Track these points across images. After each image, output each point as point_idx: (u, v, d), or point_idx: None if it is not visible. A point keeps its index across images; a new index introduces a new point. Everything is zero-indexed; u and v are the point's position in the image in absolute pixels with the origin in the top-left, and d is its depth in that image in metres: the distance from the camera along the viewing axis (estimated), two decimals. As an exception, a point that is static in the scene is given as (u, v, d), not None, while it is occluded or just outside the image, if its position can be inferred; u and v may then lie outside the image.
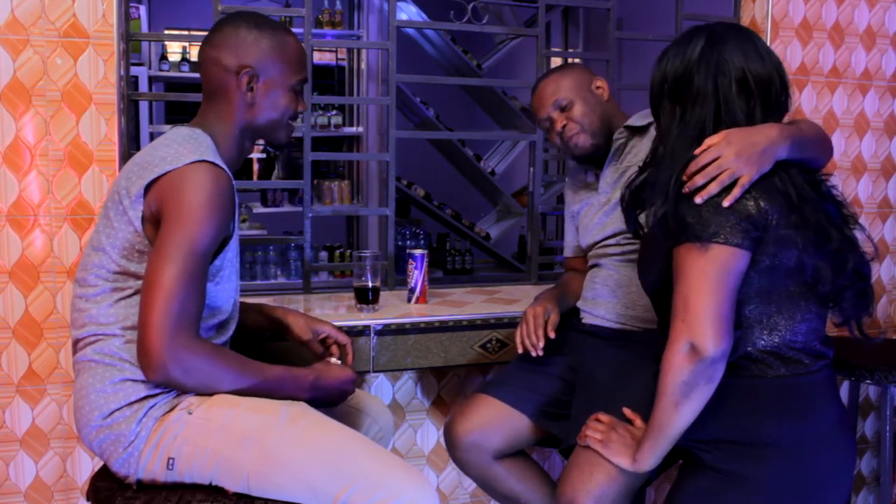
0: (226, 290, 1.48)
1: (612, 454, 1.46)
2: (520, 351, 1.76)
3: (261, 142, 1.63)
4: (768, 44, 2.30)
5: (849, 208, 1.38)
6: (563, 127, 1.86)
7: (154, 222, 1.37)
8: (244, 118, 1.51)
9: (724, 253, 1.25)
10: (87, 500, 1.45)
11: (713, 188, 1.27)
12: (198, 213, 1.33)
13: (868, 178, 2.64)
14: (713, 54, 1.35)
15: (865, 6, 2.56)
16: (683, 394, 1.28)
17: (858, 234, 1.38)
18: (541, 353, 1.73)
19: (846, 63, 2.57)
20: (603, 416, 1.53)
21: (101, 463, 1.50)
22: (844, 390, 2.54)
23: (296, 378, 1.47)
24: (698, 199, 1.28)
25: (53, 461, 2.02)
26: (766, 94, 1.35)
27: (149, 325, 1.29)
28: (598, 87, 1.91)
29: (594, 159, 1.91)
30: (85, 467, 2.03)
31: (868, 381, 2.10)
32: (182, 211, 1.33)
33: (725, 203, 1.26)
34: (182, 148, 1.40)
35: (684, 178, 1.30)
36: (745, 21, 2.48)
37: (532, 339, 1.73)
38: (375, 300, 2.00)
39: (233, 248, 1.49)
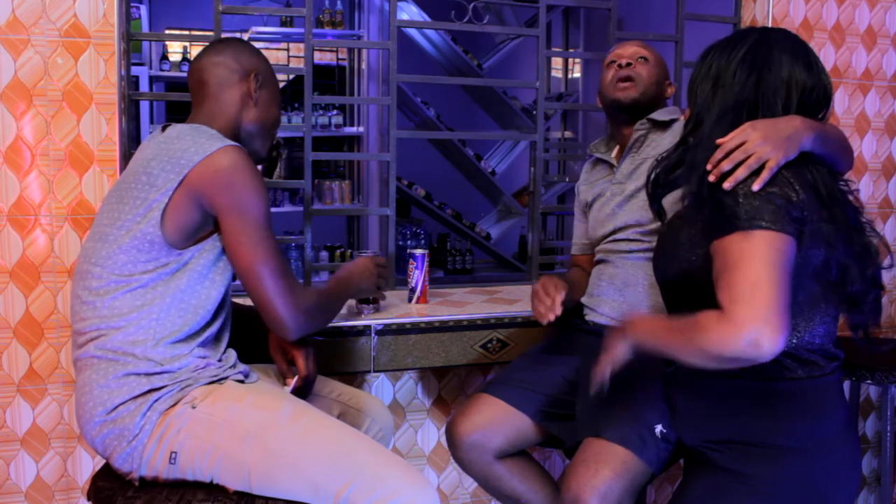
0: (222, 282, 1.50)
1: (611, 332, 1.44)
2: (543, 321, 1.74)
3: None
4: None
5: (865, 216, 1.37)
6: (629, 66, 1.90)
7: (179, 212, 1.41)
8: (241, 118, 1.58)
9: (781, 240, 1.21)
10: (88, 499, 1.45)
11: (741, 173, 1.26)
12: (251, 194, 1.43)
13: (869, 178, 2.64)
14: (762, 49, 1.35)
15: (866, 6, 2.56)
16: (707, 358, 1.22)
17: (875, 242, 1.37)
18: (558, 313, 1.73)
19: (847, 63, 2.57)
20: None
21: (102, 462, 1.51)
22: (845, 390, 2.54)
23: (339, 282, 1.75)
24: (727, 185, 1.26)
25: (54, 461, 2.02)
26: (805, 98, 1.35)
27: (273, 309, 1.46)
28: (669, 84, 1.97)
29: (624, 115, 1.91)
30: (86, 467, 2.04)
31: (868, 382, 2.10)
32: (238, 198, 1.42)
33: (755, 186, 1.24)
34: (199, 138, 1.46)
35: (708, 166, 1.29)
36: (745, 21, 2.49)
37: (546, 304, 1.74)
38: (376, 300, 2.00)
39: None
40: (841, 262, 1.28)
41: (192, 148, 1.42)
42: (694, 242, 1.32)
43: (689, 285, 1.32)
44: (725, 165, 1.27)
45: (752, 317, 1.18)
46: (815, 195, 1.27)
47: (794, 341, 1.32)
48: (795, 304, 1.29)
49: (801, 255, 1.26)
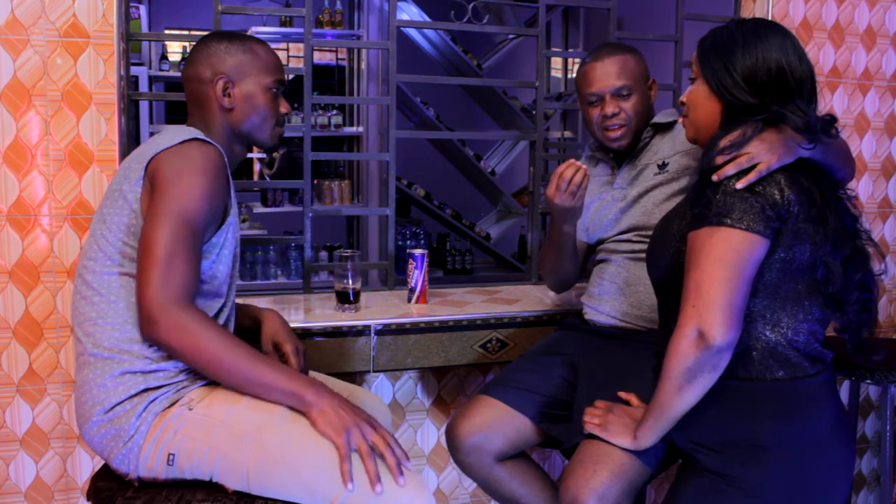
0: (223, 270, 1.50)
1: (612, 436, 1.48)
2: (564, 179, 1.71)
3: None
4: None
5: (863, 224, 1.39)
6: (614, 115, 1.80)
7: (150, 197, 1.41)
8: (226, 123, 1.59)
9: (745, 240, 1.25)
10: (88, 499, 1.45)
11: (729, 169, 1.28)
12: (189, 183, 1.38)
13: (868, 178, 2.64)
14: (761, 31, 1.36)
15: (866, 6, 2.56)
16: (687, 379, 1.28)
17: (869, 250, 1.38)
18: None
19: (846, 63, 2.57)
20: (599, 402, 1.55)
21: (102, 462, 1.50)
22: (844, 390, 2.54)
23: (292, 390, 1.35)
24: (714, 177, 1.29)
25: (54, 461, 2.02)
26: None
27: (143, 284, 1.33)
28: (651, 85, 1.88)
29: (615, 153, 1.91)
30: (85, 467, 2.03)
31: (868, 381, 2.09)
32: (173, 179, 1.38)
33: (738, 185, 1.26)
34: (176, 132, 1.47)
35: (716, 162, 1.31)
36: (745, 21, 2.48)
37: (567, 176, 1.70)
38: (357, 300, 2.00)
39: (231, 230, 1.52)
40: (826, 262, 1.30)
41: (164, 142, 1.44)
42: (683, 235, 1.33)
43: (677, 280, 1.33)
44: (720, 160, 1.30)
45: (692, 314, 1.25)
46: (806, 198, 1.29)
47: (779, 337, 1.32)
48: (778, 299, 1.32)
49: (786, 252, 1.28)
